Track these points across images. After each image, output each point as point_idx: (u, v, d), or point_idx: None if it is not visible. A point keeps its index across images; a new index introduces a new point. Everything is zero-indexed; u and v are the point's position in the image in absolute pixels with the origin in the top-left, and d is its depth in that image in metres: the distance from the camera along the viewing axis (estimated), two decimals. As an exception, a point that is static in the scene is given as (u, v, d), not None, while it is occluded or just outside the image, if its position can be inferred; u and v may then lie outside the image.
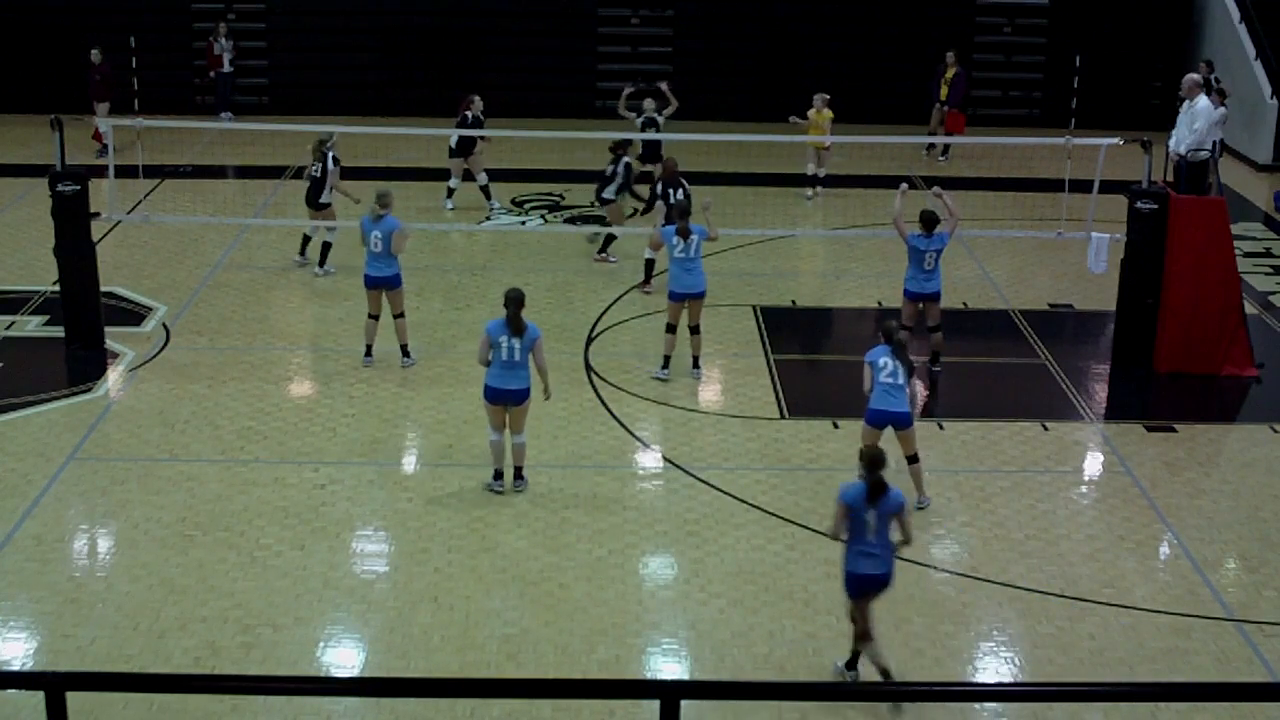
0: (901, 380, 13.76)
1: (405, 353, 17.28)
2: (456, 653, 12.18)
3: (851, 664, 11.82)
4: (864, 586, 11.49)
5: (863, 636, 11.63)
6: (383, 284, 17.03)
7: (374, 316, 17.20)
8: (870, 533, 11.36)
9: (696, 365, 17.04)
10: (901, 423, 13.89)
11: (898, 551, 11.63)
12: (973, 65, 29.09)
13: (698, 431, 16.04)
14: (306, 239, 20.55)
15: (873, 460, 11.44)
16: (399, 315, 17.17)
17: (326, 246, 20.22)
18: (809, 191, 24.07)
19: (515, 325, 14.01)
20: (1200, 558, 13.85)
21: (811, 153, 23.97)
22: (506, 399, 14.25)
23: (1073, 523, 14.43)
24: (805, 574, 13.35)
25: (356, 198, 19.60)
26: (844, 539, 11.52)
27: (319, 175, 19.94)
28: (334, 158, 19.96)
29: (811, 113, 23.91)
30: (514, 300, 14.07)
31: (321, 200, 20.02)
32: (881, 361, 13.78)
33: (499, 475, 14.54)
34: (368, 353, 17.31)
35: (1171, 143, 19.23)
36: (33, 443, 15.45)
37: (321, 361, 17.67)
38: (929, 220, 16.75)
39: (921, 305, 17.09)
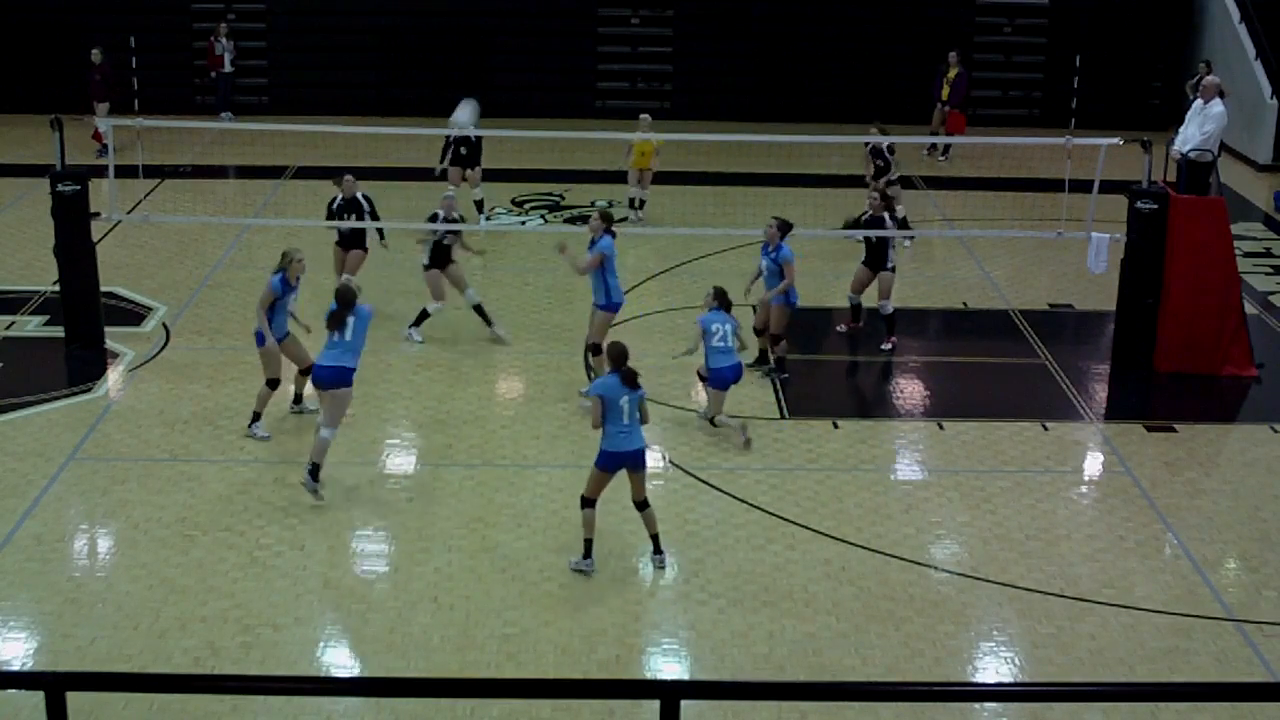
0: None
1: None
2: (456, 653, 12.18)
3: (588, 553, 13.23)
4: (623, 461, 13.05)
5: (590, 504, 13.17)
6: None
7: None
8: (625, 416, 12.93)
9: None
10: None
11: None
12: (973, 65, 29.08)
13: (698, 431, 16.04)
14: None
15: (619, 355, 13.02)
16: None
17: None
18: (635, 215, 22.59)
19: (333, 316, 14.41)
20: (1200, 558, 13.84)
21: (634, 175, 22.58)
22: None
23: (1073, 523, 14.42)
24: (805, 574, 13.35)
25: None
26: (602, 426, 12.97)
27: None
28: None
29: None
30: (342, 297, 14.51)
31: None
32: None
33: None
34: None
35: (1178, 142, 19.17)
36: (33, 443, 15.45)
37: (321, 361, 17.66)
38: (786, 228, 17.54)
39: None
